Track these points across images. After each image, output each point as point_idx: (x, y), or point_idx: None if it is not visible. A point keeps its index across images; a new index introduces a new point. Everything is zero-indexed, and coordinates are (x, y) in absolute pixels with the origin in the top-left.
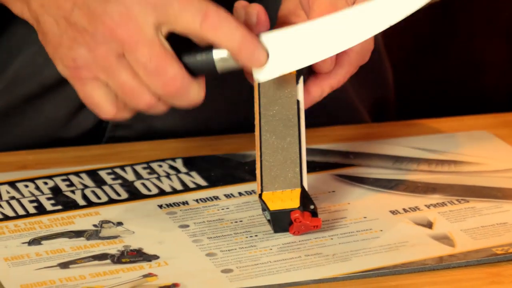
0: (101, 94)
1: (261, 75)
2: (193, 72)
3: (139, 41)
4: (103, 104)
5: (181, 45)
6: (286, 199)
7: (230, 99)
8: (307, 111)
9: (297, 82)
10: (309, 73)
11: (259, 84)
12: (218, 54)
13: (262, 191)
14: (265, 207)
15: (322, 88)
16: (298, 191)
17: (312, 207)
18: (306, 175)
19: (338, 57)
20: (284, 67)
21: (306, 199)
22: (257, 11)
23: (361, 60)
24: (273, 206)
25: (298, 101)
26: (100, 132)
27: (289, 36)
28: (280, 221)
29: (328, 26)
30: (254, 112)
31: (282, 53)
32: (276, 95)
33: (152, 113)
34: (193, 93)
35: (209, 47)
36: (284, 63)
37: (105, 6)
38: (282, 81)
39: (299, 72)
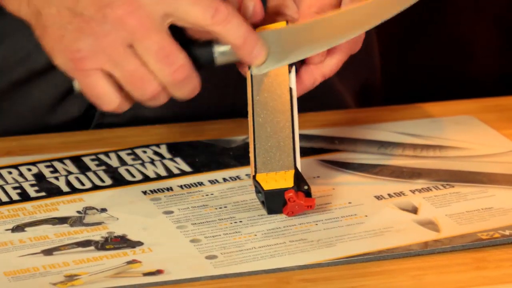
0: (105, 85)
1: (257, 69)
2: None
3: (149, 29)
4: (107, 95)
5: (179, 38)
6: (280, 179)
7: (218, 86)
8: None
9: (289, 71)
10: (301, 62)
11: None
12: (218, 48)
13: (256, 172)
14: (259, 188)
15: (314, 77)
16: (291, 172)
17: (306, 187)
18: (300, 158)
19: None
20: (278, 62)
21: (300, 180)
22: (254, 4)
23: (353, 49)
24: (267, 186)
25: (290, 89)
26: (87, 119)
27: (285, 34)
28: (274, 202)
29: (321, 24)
30: (247, 99)
31: (277, 50)
32: (268, 83)
33: (152, 104)
34: (195, 83)
35: (208, 41)
36: (278, 59)
37: None
38: (274, 70)
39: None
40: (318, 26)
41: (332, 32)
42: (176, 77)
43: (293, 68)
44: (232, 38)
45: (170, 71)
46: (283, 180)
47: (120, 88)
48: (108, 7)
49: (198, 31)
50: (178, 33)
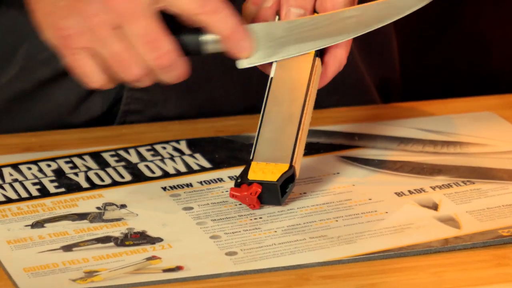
0: (91, 64)
1: (244, 62)
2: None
3: (136, 13)
4: (92, 74)
5: (169, 23)
6: (268, 172)
7: (240, 85)
8: (318, 90)
9: (313, 64)
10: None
11: (276, 62)
12: (206, 37)
13: (252, 159)
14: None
15: (339, 60)
16: (284, 166)
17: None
18: (302, 156)
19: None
20: (266, 57)
21: (286, 177)
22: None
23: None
24: (252, 175)
25: (308, 82)
26: (110, 117)
27: (274, 28)
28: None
29: (311, 22)
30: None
31: (266, 45)
32: (288, 75)
33: (137, 86)
34: (181, 69)
35: (197, 29)
36: (266, 54)
37: None
38: (298, 62)
39: (316, 54)
40: (307, 24)
41: (321, 32)
42: (160, 63)
43: (318, 60)
44: (219, 29)
45: (155, 56)
46: (270, 173)
47: (106, 67)
48: None
49: (188, 19)
50: (169, 18)
